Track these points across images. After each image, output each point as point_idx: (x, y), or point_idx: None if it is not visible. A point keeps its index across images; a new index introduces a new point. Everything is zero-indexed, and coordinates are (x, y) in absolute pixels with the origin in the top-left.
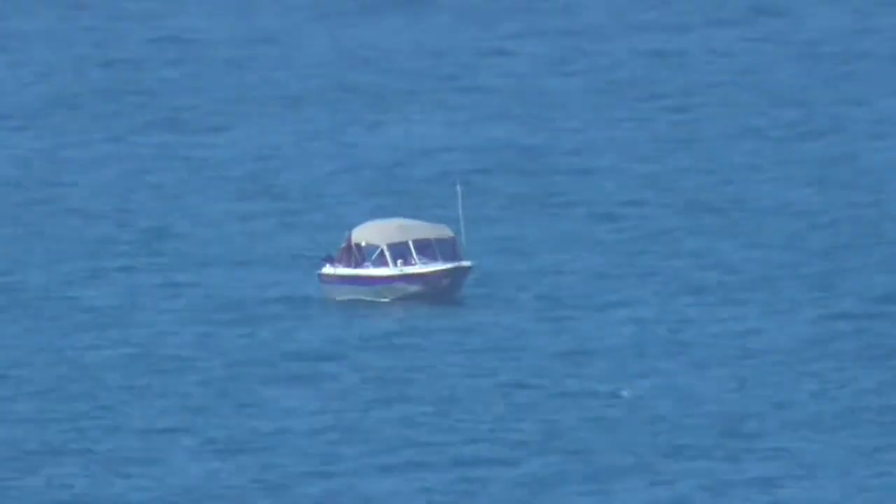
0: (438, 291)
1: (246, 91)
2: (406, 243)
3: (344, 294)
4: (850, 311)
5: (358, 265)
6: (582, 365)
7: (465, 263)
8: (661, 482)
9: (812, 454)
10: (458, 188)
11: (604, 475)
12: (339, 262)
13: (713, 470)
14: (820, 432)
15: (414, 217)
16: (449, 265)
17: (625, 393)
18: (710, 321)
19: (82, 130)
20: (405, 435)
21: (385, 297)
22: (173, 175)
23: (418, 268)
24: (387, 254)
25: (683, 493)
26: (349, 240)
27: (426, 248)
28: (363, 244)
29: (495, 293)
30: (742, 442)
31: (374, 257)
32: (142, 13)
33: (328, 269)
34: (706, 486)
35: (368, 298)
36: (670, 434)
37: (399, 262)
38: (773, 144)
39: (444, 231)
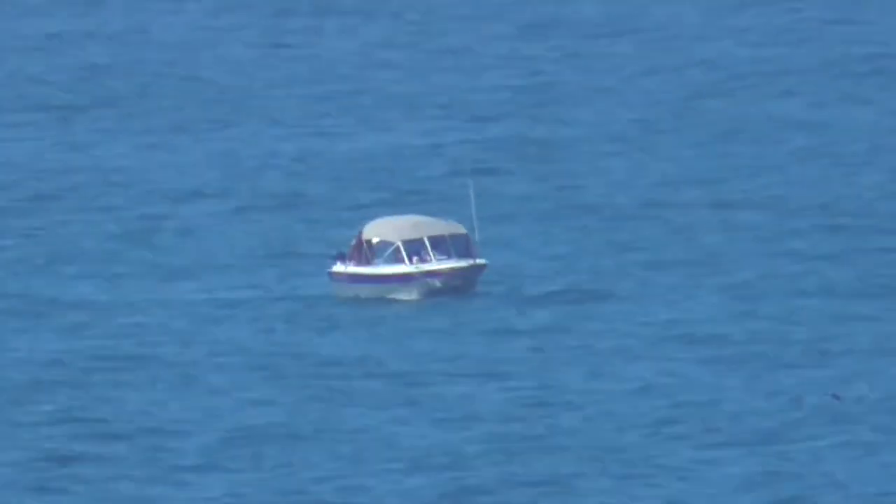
0: (453, 289)
1: (256, 90)
2: (421, 240)
3: (356, 291)
4: (864, 309)
5: (369, 262)
6: (595, 363)
7: (481, 261)
8: (680, 480)
9: (827, 451)
10: (470, 185)
11: (622, 474)
12: (351, 259)
13: (727, 468)
14: (835, 428)
15: (425, 214)
16: (465, 263)
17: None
18: (725, 319)
19: (88, 130)
20: (423, 436)
21: (399, 295)
22: (186, 173)
23: (434, 265)
24: (402, 251)
25: (698, 492)
26: (360, 236)
27: (441, 245)
28: (376, 241)
29: (507, 291)
30: (759, 439)
31: (388, 254)
32: (150, 12)
33: (339, 267)
34: (721, 484)
35: (382, 296)
36: (688, 431)
37: (415, 259)
38: (786, 139)
39: (457, 228)
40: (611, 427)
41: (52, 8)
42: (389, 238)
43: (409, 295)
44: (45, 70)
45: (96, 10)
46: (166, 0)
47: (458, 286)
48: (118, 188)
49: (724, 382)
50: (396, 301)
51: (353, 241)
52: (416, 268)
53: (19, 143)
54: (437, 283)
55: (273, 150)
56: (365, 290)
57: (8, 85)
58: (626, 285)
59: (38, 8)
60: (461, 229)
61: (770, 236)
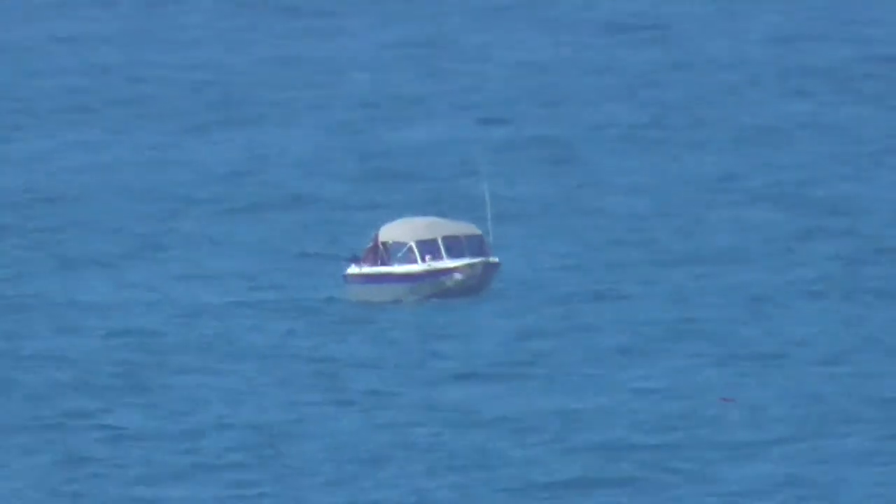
0: (467, 289)
1: (269, 91)
2: (435, 240)
3: (371, 294)
4: (879, 309)
5: (385, 264)
6: (608, 363)
7: (494, 259)
8: (692, 482)
9: (843, 452)
10: (484, 186)
11: (634, 474)
12: (366, 261)
13: (741, 469)
14: (851, 428)
15: (439, 215)
16: (477, 260)
17: None
18: (739, 319)
19: (98, 131)
20: (437, 435)
21: (413, 295)
22: (198, 173)
23: (447, 263)
24: (415, 250)
25: (710, 492)
26: (376, 239)
27: (455, 245)
28: (390, 241)
29: (521, 291)
30: (773, 440)
31: (401, 254)
32: (161, 13)
33: (354, 270)
34: (734, 485)
35: (395, 296)
36: (701, 432)
37: (428, 258)
38: (799, 138)
39: (471, 228)
40: (623, 427)
41: (62, 9)
42: (403, 239)
43: (422, 295)
44: (54, 71)
45: (107, 10)
46: (177, 1)
47: (471, 286)
48: (129, 189)
49: (739, 383)
50: (410, 301)
51: (370, 244)
52: (429, 266)
53: (28, 144)
54: (451, 281)
55: (286, 151)
56: (379, 291)
57: (17, 85)
58: (639, 285)
59: (47, 9)
60: (475, 230)
61: (783, 235)
